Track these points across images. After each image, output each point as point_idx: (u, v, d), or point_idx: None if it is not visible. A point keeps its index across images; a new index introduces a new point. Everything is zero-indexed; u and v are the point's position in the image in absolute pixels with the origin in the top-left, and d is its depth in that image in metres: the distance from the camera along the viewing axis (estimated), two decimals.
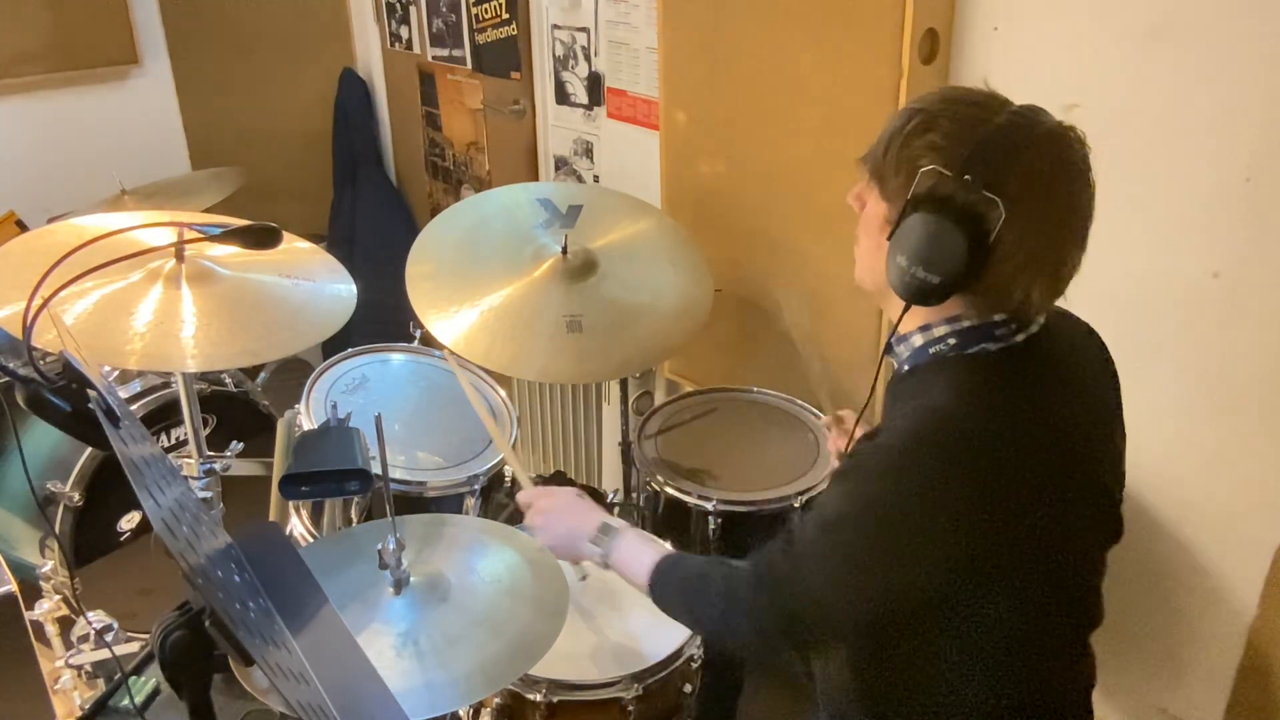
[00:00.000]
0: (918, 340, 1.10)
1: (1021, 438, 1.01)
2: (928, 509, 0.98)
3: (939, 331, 1.08)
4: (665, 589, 1.21)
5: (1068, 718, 1.18)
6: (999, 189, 0.97)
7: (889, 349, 1.16)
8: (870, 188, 1.10)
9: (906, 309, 1.08)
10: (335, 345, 1.87)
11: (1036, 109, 1.03)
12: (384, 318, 2.09)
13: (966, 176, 0.98)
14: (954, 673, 1.09)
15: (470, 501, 1.74)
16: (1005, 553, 1.01)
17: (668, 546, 1.24)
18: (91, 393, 0.90)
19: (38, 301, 1.03)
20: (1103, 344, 1.20)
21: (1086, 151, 1.02)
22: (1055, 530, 1.04)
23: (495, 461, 1.78)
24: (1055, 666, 1.15)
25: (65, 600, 1.70)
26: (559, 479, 1.96)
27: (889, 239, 1.05)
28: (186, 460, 1.81)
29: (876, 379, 1.20)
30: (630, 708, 1.38)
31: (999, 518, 0.99)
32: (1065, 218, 1.02)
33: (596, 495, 2.01)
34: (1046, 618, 1.09)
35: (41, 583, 1.85)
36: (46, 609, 1.66)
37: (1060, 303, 1.12)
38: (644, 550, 1.25)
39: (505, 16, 2.75)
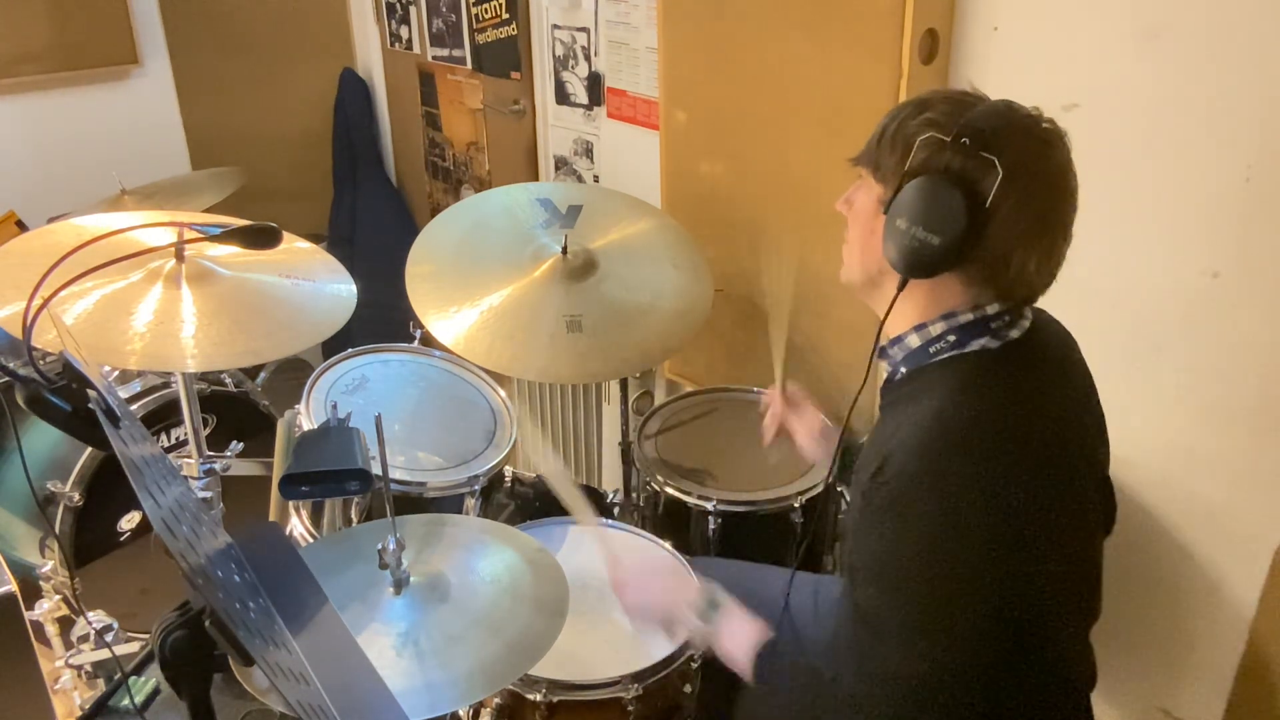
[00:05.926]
0: (914, 341, 1.10)
1: (1034, 432, 1.01)
2: (975, 518, 0.97)
3: (936, 330, 1.08)
4: (770, 675, 1.17)
5: (1071, 714, 1.18)
6: (996, 152, 0.99)
7: (882, 353, 1.15)
8: (861, 182, 1.12)
9: (903, 286, 1.06)
10: (335, 345, 1.87)
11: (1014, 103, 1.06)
12: (384, 318, 2.09)
13: (963, 140, 0.99)
14: (999, 669, 1.05)
15: (470, 502, 1.74)
16: (1046, 546, 1.01)
17: (761, 624, 1.20)
18: (91, 393, 0.90)
19: (38, 301, 1.03)
20: (1068, 331, 1.20)
21: (1069, 145, 1.04)
22: (1077, 521, 1.05)
23: (495, 461, 1.78)
24: (1072, 659, 1.15)
25: (65, 600, 1.70)
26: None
27: (886, 212, 1.05)
28: (186, 460, 1.81)
29: (865, 381, 1.20)
30: (630, 708, 1.38)
31: (1033, 511, 0.99)
32: (1059, 193, 1.03)
33: (596, 495, 2.01)
34: (1075, 609, 1.10)
35: (41, 583, 1.85)
36: (46, 609, 1.66)
37: (1058, 302, 1.12)
38: (746, 630, 1.21)
39: (505, 16, 2.75)
